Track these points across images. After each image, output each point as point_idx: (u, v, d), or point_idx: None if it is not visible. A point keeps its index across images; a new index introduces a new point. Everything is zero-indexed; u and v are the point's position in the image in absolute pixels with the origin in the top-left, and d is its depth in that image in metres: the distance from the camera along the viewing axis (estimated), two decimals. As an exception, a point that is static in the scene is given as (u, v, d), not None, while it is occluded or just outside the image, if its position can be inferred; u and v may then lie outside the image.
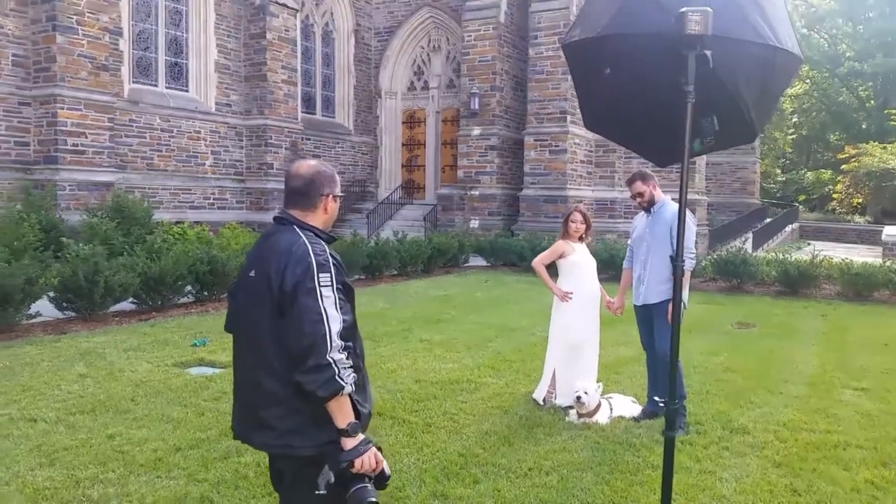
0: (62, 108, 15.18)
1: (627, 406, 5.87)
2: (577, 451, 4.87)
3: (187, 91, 19.21)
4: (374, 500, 2.24)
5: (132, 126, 17.56)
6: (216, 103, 19.57)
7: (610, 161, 20.78)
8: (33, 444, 4.60)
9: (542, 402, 5.91)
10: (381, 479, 2.34)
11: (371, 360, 7.20)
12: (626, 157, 20.68)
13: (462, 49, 21.28)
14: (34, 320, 8.25)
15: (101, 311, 8.72)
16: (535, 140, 20.28)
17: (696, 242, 5.52)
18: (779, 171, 45.17)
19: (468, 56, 20.93)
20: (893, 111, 31.92)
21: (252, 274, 2.44)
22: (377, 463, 2.30)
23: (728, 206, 26.26)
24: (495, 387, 6.38)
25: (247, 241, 12.76)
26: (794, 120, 44.67)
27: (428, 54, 24.00)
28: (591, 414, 5.52)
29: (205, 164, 19.19)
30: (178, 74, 19.06)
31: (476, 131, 20.94)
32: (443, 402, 5.87)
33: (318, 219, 2.49)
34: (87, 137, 15.68)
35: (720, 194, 28.83)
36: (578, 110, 17.77)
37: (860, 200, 36.26)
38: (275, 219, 2.53)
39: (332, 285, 2.30)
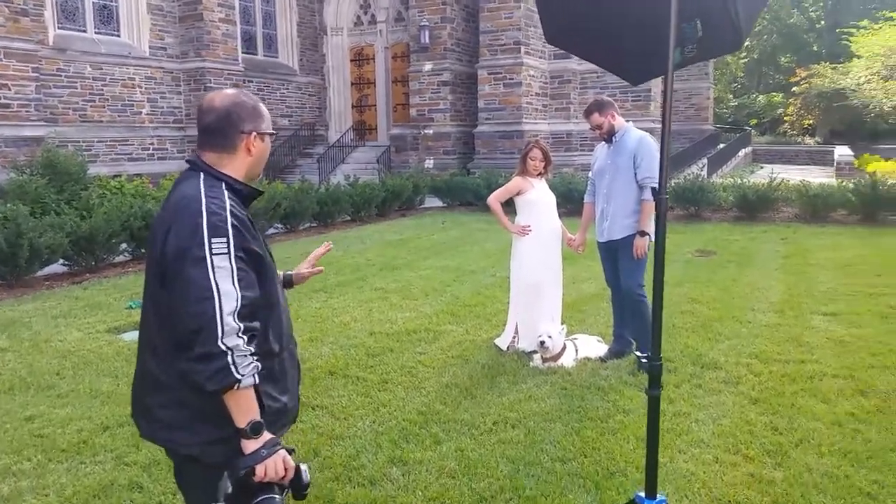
0: (-21, 59, 14.09)
1: (593, 346, 5.58)
2: (543, 399, 4.56)
3: (119, 35, 18.03)
4: None
5: (61, 76, 16.47)
6: (150, 47, 18.43)
7: (565, 92, 20.29)
8: (-58, 432, 4.11)
9: (504, 349, 5.59)
10: (298, 489, 1.90)
11: (323, 312, 6.80)
12: (581, 88, 20.24)
13: (408, -21, 20.32)
14: (-49, 291, 7.62)
15: (27, 275, 8.08)
16: (488, 73, 19.64)
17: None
18: (731, 95, 45.11)
19: (415, -14, 19.99)
20: (844, 31, 31.79)
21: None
22: (286, 470, 1.86)
23: (681, 134, 25.96)
24: (455, 335, 6.03)
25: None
26: (746, 44, 44.40)
27: (373, -14, 22.91)
28: (556, 357, 5.22)
29: (141, 112, 18.18)
30: (107, 18, 17.83)
31: (427, 66, 20.18)
32: (399, 355, 5.50)
33: (238, 164, 2.03)
34: (10, 90, 14.61)
35: (675, 121, 28.47)
36: (532, 41, 17.14)
37: (811, 122, 36.49)
38: (187, 161, 2.07)
39: (230, 253, 1.83)
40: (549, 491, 3.37)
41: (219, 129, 2.01)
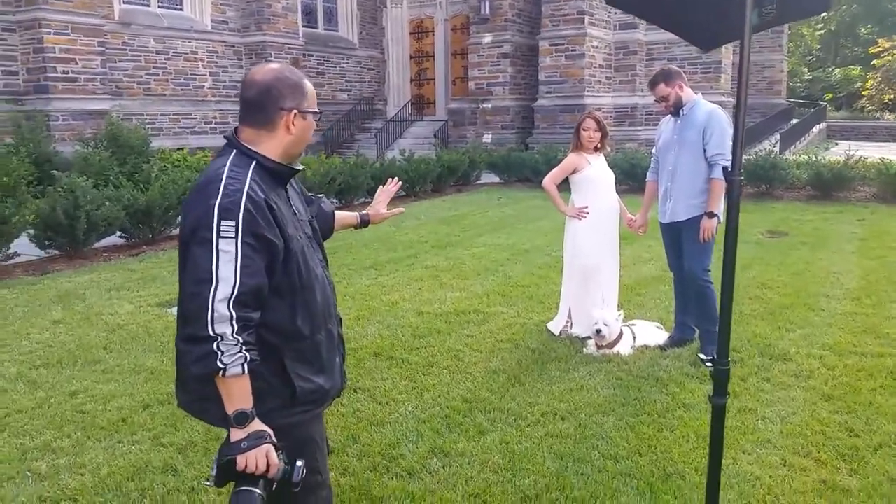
0: (49, 34, 14.41)
1: (652, 333, 5.28)
2: (596, 389, 4.31)
3: (181, 9, 18.19)
4: None
5: (125, 50, 16.73)
6: (212, 21, 18.56)
7: (630, 64, 19.57)
8: (-14, 406, 4.11)
9: (557, 334, 5.34)
10: (288, 485, 1.83)
11: (372, 290, 6.66)
12: (647, 60, 19.49)
13: (469, -51, 19.85)
14: (13, 261, 7.74)
15: (85, 247, 8.18)
16: (550, 45, 19.09)
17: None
18: (805, 69, 43.11)
19: (476, -44, 19.52)
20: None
21: None
22: (269, 466, 1.80)
23: (753, 108, 24.81)
24: (505, 317, 5.81)
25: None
26: (823, 14, 42.24)
27: (433, -43, 22.50)
28: (612, 344, 4.95)
29: (204, 86, 18.36)
30: (170, -9, 18.00)
31: (487, 38, 19.75)
32: (447, 336, 5.31)
33: (276, 142, 1.94)
34: (77, 64, 14.93)
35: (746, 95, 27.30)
36: (597, 10, 16.54)
37: (892, 97, 34.51)
38: (224, 137, 2.00)
39: (236, 237, 1.77)
40: (599, 492, 3.13)
41: (258, 105, 1.93)
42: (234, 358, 1.75)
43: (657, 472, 3.30)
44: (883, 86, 33.95)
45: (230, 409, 1.80)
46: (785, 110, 25.52)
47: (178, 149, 14.97)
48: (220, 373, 1.75)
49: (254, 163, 1.89)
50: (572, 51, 18.74)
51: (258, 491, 1.77)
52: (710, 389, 4.03)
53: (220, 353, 1.74)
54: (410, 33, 23.28)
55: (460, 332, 5.42)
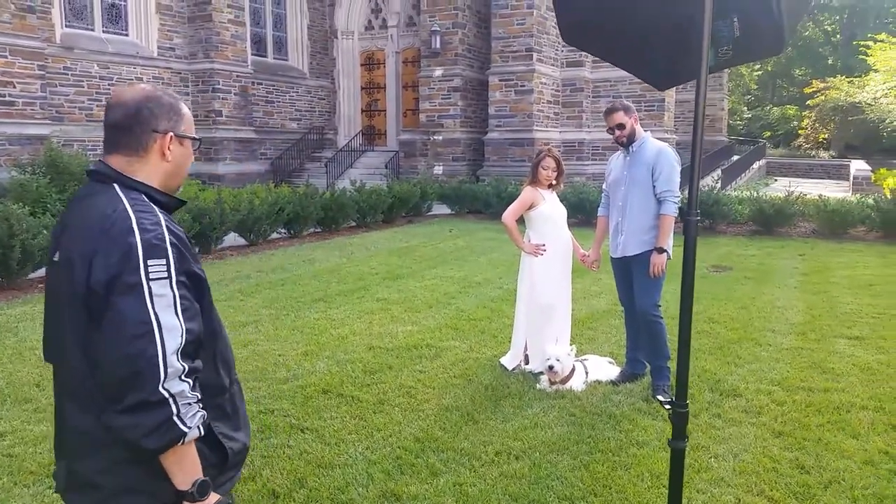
0: (-14, 55, 13.94)
1: (605, 368, 5.27)
2: (550, 426, 4.25)
3: (127, 35, 17.91)
4: None
5: (67, 74, 16.34)
6: (158, 47, 18.32)
7: (577, 101, 19.98)
8: None
9: (510, 369, 5.28)
10: None
11: (321, 324, 6.51)
12: (593, 97, 19.95)
13: (420, -17, 20.09)
14: (-60, 293, 7.36)
15: (20, 278, 7.82)
16: (500, 80, 19.36)
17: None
18: (745, 107, 44.72)
19: (427, -9, 19.76)
20: (861, 44, 31.36)
21: (56, 258, 1.66)
22: None
23: (696, 145, 25.64)
24: (458, 351, 5.73)
25: (193, 194, 11.79)
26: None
27: (385, -10, 22.68)
28: (565, 380, 4.91)
29: (149, 113, 17.98)
30: (115, 17, 17.72)
31: (438, 72, 19.92)
32: (399, 372, 5.19)
33: (150, 170, 1.70)
34: (15, 87, 14.48)
35: (687, 133, 28.20)
36: (545, 48, 16.87)
37: (826, 135, 36.00)
38: (88, 172, 1.72)
39: (171, 278, 1.53)
40: (556, 535, 3.06)
41: (126, 127, 1.68)
42: (195, 420, 1.52)
43: (613, 514, 3.24)
44: (817, 125, 35.39)
45: (187, 482, 1.54)
46: (726, 147, 26.36)
47: (121, 176, 14.59)
48: (183, 438, 1.50)
49: (143, 197, 1.65)
50: (521, 86, 19.04)
51: None
52: (662, 427, 4.04)
53: (179, 416, 1.49)
54: (361, 64, 23.36)
55: (412, 367, 5.31)
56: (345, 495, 3.38)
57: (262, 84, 20.86)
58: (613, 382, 5.06)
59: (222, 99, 18.85)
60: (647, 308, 4.84)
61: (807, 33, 42.86)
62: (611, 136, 4.94)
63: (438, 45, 19.65)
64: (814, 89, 33.25)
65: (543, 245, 5.26)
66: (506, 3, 19.00)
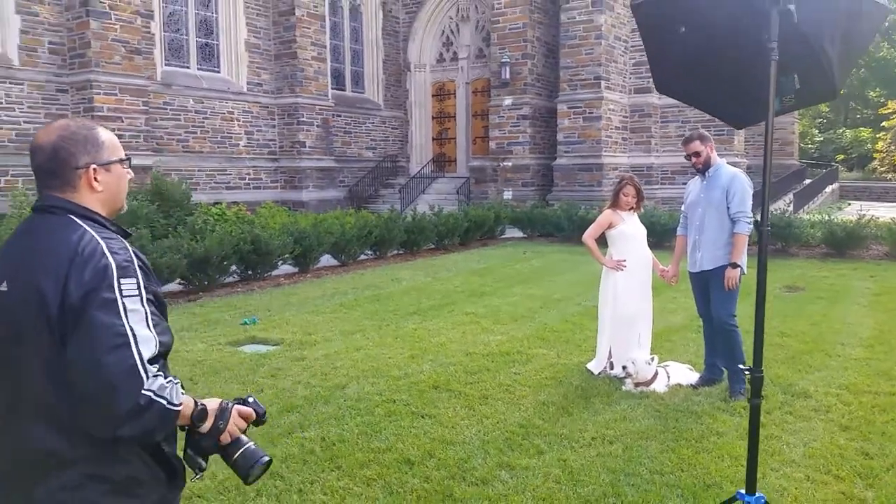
0: (98, 94, 15.37)
1: (684, 373, 5.80)
2: (638, 419, 4.83)
3: (219, 72, 19.31)
4: (267, 458, 1.82)
5: (166, 109, 17.73)
6: (248, 83, 19.65)
7: (645, 126, 20.46)
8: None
9: (596, 373, 5.87)
10: (258, 421, 1.90)
11: (419, 333, 7.23)
12: (661, 122, 20.39)
13: (491, 17, 21.00)
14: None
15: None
16: (568, 108, 20.02)
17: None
18: (816, 130, 44.13)
19: (498, 24, 20.65)
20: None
21: (3, 287, 1.71)
22: (247, 416, 1.82)
23: (766, 169, 25.63)
24: (547, 358, 6.35)
25: (284, 220, 12.80)
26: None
27: (457, 24, 23.70)
28: (648, 383, 5.47)
29: (239, 144, 19.33)
30: (209, 55, 19.14)
31: (507, 101, 20.71)
32: (496, 373, 5.86)
33: (89, 202, 1.78)
34: (123, 122, 15.84)
35: (757, 156, 28.18)
36: (613, 75, 17.47)
37: (903, 158, 35.27)
38: (35, 208, 1.79)
39: (141, 295, 1.65)
40: (650, 499, 3.65)
41: (50, 171, 1.75)
42: (175, 392, 1.64)
43: (698, 484, 3.81)
44: (893, 147, 34.74)
45: (186, 420, 1.70)
46: (797, 171, 26.24)
47: (215, 203, 15.73)
48: (178, 414, 1.65)
49: (98, 225, 1.73)
50: (589, 113, 19.64)
51: (252, 444, 1.80)
52: (740, 422, 4.58)
53: (167, 400, 1.60)
54: (433, 95, 24.39)
55: (507, 370, 5.97)
56: (468, 464, 4.05)
57: (340, 116, 22.06)
58: (693, 386, 5.59)
59: (306, 131, 20.06)
60: (724, 318, 5.38)
61: (881, 54, 42.12)
62: (685, 162, 5.55)
63: (508, 76, 20.46)
64: (889, 110, 32.77)
65: (624, 260, 5.85)
66: (574, 34, 19.70)
